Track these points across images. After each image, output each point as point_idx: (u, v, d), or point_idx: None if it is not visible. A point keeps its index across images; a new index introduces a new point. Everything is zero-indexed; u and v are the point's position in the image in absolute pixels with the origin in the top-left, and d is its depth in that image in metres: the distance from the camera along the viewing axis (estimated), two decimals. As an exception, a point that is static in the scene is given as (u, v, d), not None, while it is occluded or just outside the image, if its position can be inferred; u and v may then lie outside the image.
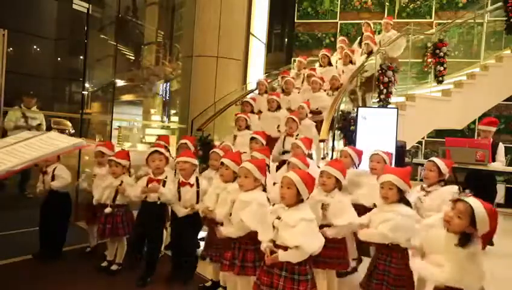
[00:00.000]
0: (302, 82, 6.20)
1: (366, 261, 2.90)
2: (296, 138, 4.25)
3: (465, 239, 1.83)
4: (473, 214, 1.80)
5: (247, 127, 4.66)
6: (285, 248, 2.07)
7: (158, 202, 3.03)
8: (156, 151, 3.08)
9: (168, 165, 3.19)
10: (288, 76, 6.08)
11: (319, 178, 2.62)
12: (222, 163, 2.74)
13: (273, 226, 2.13)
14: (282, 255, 2.05)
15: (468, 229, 1.83)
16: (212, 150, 3.53)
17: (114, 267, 3.28)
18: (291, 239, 2.03)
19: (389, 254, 2.27)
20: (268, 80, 6.47)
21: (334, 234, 2.49)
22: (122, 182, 3.22)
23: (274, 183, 2.90)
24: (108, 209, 3.18)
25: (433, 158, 2.88)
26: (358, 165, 3.39)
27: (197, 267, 3.25)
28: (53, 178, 3.40)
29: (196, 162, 3.11)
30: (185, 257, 3.15)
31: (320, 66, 6.40)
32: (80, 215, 3.82)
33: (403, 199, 2.33)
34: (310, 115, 4.92)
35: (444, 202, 2.55)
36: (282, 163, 4.10)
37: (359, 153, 3.38)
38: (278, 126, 4.87)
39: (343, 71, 5.91)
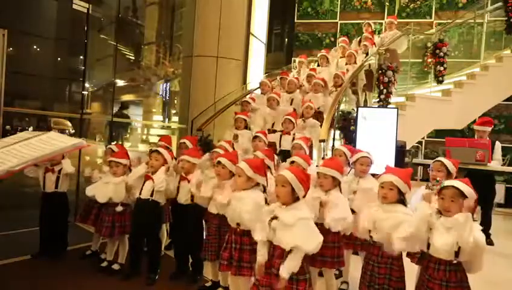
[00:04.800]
0: (303, 82, 6.21)
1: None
2: (293, 137, 4.27)
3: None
4: (461, 192, 1.98)
5: (246, 127, 4.71)
6: (283, 249, 2.06)
7: (150, 199, 3.05)
8: (156, 150, 3.10)
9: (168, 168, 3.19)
10: (289, 76, 6.09)
11: (317, 179, 2.62)
12: (219, 162, 2.75)
13: (270, 226, 2.12)
14: (284, 271, 1.99)
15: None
16: (213, 150, 3.54)
17: (116, 266, 3.29)
18: (288, 240, 2.01)
19: (390, 257, 2.23)
20: (270, 80, 6.47)
21: (331, 225, 2.45)
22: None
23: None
24: (119, 208, 3.20)
25: (441, 158, 2.86)
26: (351, 163, 3.40)
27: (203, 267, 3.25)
28: (57, 179, 3.41)
29: (195, 161, 3.14)
30: (188, 257, 3.18)
31: (318, 65, 6.43)
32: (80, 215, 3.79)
33: (401, 201, 2.29)
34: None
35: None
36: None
37: (352, 152, 3.37)
38: (273, 124, 4.91)
39: (347, 70, 5.92)
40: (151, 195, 3.05)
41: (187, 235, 3.13)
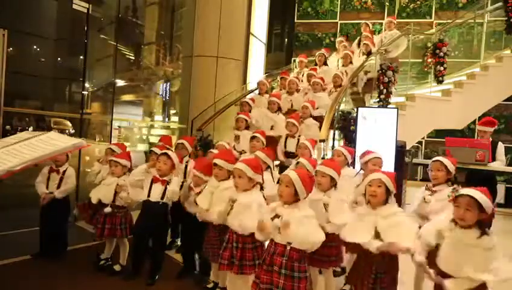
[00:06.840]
0: (302, 81, 6.21)
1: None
2: (298, 139, 4.30)
3: (482, 226, 1.93)
4: (477, 202, 1.90)
5: (247, 128, 4.72)
6: (284, 247, 2.10)
7: (160, 202, 3.04)
8: (165, 153, 3.07)
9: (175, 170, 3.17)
10: (288, 76, 6.09)
11: (315, 178, 2.62)
12: (215, 164, 2.74)
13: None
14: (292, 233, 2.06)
15: (479, 216, 1.92)
16: (208, 151, 3.54)
17: (117, 267, 3.28)
18: (297, 236, 2.07)
19: (381, 255, 2.20)
20: (269, 80, 6.47)
21: (334, 230, 2.47)
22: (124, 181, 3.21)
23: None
24: (108, 209, 3.18)
25: (439, 157, 2.84)
26: (351, 164, 3.42)
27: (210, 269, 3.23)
28: (61, 180, 3.42)
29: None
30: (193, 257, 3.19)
31: (316, 65, 6.42)
32: (80, 215, 3.80)
33: (388, 201, 2.27)
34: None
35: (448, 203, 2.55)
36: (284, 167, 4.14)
37: (351, 152, 3.41)
38: (272, 126, 4.95)
39: (345, 71, 5.93)
40: (161, 198, 3.03)
41: (192, 236, 3.13)
